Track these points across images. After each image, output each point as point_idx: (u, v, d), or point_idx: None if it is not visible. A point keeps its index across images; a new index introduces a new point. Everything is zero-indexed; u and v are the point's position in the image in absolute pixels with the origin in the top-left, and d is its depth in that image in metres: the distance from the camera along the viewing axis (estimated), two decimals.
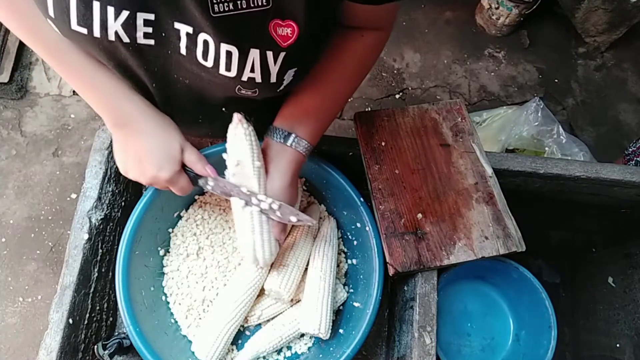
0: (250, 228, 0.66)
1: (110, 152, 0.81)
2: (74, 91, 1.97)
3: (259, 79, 0.55)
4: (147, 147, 0.62)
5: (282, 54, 0.53)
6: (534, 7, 2.00)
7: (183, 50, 0.54)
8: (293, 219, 0.66)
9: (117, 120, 0.63)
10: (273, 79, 0.55)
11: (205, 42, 0.52)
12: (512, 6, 1.99)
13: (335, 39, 0.64)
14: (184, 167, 0.66)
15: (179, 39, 0.52)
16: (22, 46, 2.00)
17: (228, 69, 0.53)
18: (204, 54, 0.53)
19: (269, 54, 0.52)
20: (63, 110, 1.94)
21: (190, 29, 0.51)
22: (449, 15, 2.24)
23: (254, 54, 0.52)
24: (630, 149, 1.63)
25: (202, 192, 0.87)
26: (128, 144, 0.64)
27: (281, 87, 0.58)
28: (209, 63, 0.53)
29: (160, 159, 0.63)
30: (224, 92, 0.61)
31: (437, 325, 0.74)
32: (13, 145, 1.88)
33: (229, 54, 0.52)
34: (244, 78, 0.54)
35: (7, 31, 1.97)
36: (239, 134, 0.62)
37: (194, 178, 0.67)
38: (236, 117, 0.62)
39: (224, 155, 0.65)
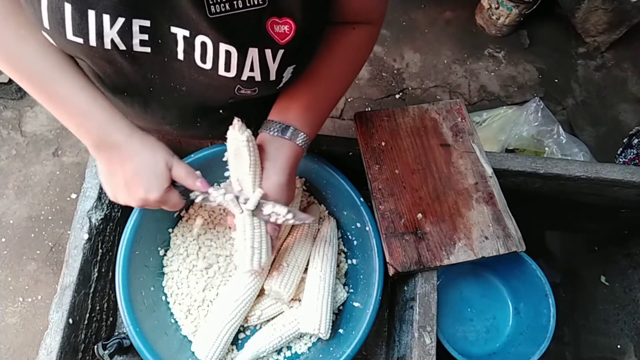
0: (242, 231, 0.64)
1: None
2: None
3: (258, 78, 0.54)
4: (132, 170, 0.59)
5: (281, 52, 0.53)
6: (534, 7, 2.00)
7: (180, 55, 0.53)
8: (290, 219, 0.64)
9: (99, 144, 0.58)
10: (272, 77, 0.55)
11: (203, 44, 0.51)
12: (512, 6, 1.99)
13: (328, 34, 0.64)
14: (173, 183, 0.63)
15: (176, 43, 0.52)
16: None
17: (227, 69, 0.53)
18: (202, 56, 0.53)
19: (268, 52, 0.52)
20: None
21: (187, 32, 0.51)
22: (449, 15, 2.24)
23: (253, 53, 0.52)
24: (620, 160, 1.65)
25: None
26: (114, 168, 0.60)
27: (280, 85, 0.58)
28: (208, 65, 0.53)
29: (148, 180, 0.59)
30: (223, 95, 0.61)
31: (438, 318, 0.75)
32: (13, 145, 1.88)
33: (227, 54, 0.51)
34: (244, 77, 0.54)
35: None
36: (239, 140, 0.60)
37: (184, 192, 0.64)
38: (236, 124, 0.59)
39: (225, 156, 0.64)
